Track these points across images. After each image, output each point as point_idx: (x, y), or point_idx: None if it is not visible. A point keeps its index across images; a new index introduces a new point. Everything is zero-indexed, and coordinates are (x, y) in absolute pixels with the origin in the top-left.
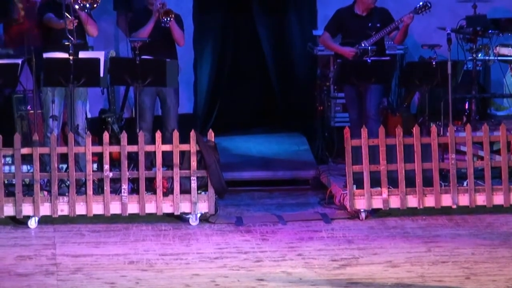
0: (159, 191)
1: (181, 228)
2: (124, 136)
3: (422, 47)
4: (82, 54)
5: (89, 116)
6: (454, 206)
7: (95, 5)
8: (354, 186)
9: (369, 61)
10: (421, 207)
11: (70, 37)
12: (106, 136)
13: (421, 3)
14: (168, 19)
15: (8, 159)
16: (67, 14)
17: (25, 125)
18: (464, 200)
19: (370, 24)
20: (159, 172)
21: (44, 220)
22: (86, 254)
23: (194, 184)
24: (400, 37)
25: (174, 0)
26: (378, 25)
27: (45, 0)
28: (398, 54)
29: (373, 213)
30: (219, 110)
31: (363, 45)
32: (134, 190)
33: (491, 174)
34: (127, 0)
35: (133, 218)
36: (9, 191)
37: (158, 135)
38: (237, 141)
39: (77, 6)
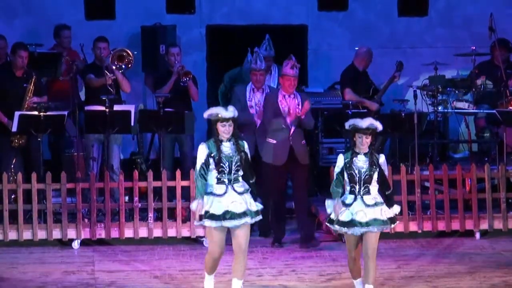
0: (179, 218)
1: (196, 249)
2: (150, 174)
3: (393, 101)
4: (116, 107)
5: (121, 157)
6: (420, 231)
7: (129, 65)
8: None
9: (350, 113)
10: (392, 232)
11: (110, 89)
12: (135, 173)
13: (397, 62)
14: (187, 79)
15: (56, 192)
16: (107, 72)
17: (70, 165)
18: (427, 226)
19: (370, 80)
20: (179, 203)
21: (85, 242)
22: (119, 270)
23: None
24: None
25: (191, 63)
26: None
27: (88, 64)
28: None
29: None
30: None
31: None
32: (158, 218)
33: (449, 205)
34: (152, 64)
35: (158, 241)
36: (57, 219)
37: (178, 173)
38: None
39: (114, 67)
